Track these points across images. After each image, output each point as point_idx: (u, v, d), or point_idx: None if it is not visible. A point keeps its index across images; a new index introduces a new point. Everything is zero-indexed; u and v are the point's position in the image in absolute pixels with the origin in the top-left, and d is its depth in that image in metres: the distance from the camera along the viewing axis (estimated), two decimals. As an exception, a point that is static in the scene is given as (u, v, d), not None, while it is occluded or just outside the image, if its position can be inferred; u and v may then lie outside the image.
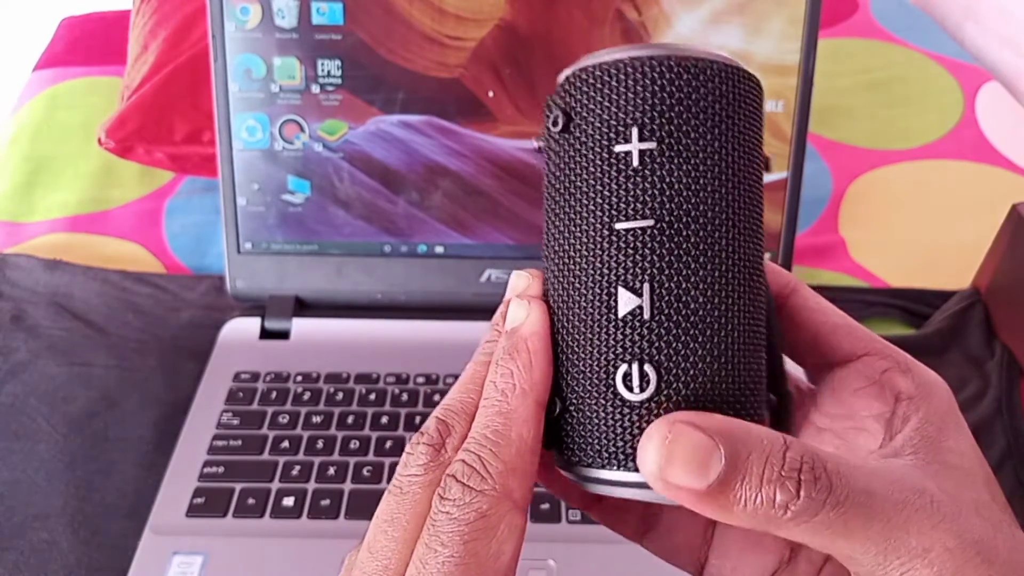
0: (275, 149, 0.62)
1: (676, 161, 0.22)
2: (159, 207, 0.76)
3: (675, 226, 0.22)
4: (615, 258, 0.22)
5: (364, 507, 0.51)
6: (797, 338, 0.27)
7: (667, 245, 0.22)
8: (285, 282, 0.64)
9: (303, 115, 0.61)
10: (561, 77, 0.24)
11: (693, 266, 0.22)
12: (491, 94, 0.61)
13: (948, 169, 0.82)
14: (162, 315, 0.65)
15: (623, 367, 0.22)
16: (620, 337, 0.22)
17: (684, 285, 0.22)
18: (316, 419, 0.56)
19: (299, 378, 0.59)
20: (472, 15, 0.60)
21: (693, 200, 0.22)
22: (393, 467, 0.53)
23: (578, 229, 0.23)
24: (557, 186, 0.23)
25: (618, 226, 0.22)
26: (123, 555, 0.49)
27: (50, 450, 0.56)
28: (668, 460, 0.21)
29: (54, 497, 0.53)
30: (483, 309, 0.64)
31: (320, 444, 0.54)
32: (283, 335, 0.63)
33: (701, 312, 0.22)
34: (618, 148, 0.22)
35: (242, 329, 0.63)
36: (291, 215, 0.63)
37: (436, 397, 0.57)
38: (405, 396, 0.58)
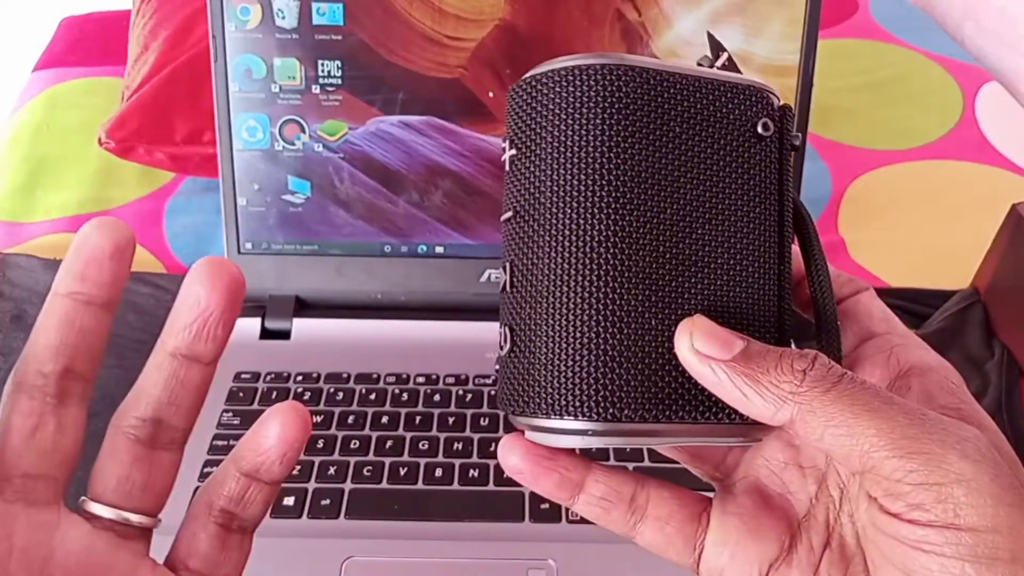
0: (275, 149, 0.62)
1: (526, 163, 0.26)
2: (159, 207, 0.76)
3: (523, 217, 0.26)
4: (502, 242, 0.27)
5: (364, 507, 0.51)
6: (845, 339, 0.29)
7: (519, 233, 0.26)
8: (285, 282, 0.64)
9: (303, 115, 0.61)
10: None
11: (536, 250, 0.25)
12: (491, 94, 0.61)
13: (948, 169, 0.82)
14: (162, 315, 0.64)
15: (498, 327, 0.27)
16: (501, 305, 0.27)
17: (529, 265, 0.26)
18: (316, 419, 0.56)
19: (299, 378, 0.59)
20: (472, 15, 0.60)
21: (535, 195, 0.26)
22: (394, 467, 0.53)
23: None
24: None
25: (502, 217, 0.27)
26: (123, 555, 0.49)
27: (50, 450, 0.56)
28: (697, 333, 0.24)
29: (54, 497, 0.53)
30: (483, 309, 0.65)
31: (320, 444, 0.54)
32: (283, 335, 0.63)
33: (542, 287, 0.25)
34: (504, 156, 0.27)
35: (242, 329, 0.63)
36: (291, 215, 0.63)
37: (436, 397, 0.57)
38: (405, 396, 0.58)
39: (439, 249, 0.63)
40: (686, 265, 0.25)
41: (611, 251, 0.24)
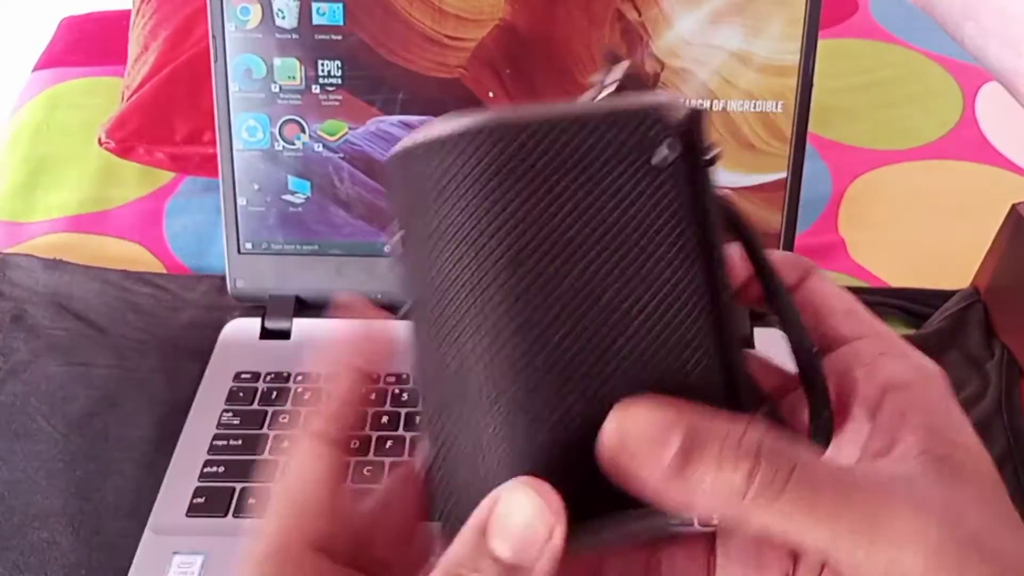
0: (275, 149, 0.62)
1: (411, 243, 0.23)
2: (160, 207, 0.76)
3: (419, 303, 0.23)
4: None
5: (364, 507, 0.51)
6: (804, 321, 0.26)
7: (414, 321, 0.23)
8: (285, 282, 0.64)
9: (303, 115, 0.61)
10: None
11: (427, 340, 0.23)
12: (491, 94, 0.61)
13: (948, 169, 0.82)
14: (162, 315, 0.65)
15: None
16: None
17: (423, 358, 0.23)
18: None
19: (299, 378, 0.59)
20: (472, 15, 0.60)
21: (428, 277, 0.23)
22: (393, 466, 0.53)
23: None
24: None
25: (399, 312, 0.24)
26: (123, 555, 0.49)
27: (50, 450, 0.56)
28: (624, 434, 0.20)
29: (54, 497, 0.53)
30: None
31: (320, 444, 0.54)
32: (284, 335, 0.63)
33: (437, 379, 0.23)
34: (393, 238, 0.24)
35: (243, 329, 0.63)
36: (291, 215, 0.63)
37: (436, 397, 0.57)
38: (405, 396, 0.58)
39: (439, 249, 0.63)
40: (602, 336, 0.22)
41: (514, 342, 0.22)
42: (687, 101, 0.25)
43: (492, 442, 0.22)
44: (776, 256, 0.26)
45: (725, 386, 0.23)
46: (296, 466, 0.23)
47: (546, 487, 0.21)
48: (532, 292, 0.22)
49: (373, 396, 0.58)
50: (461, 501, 0.22)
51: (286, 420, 0.56)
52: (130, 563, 0.48)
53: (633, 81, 0.25)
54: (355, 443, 0.25)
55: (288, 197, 0.63)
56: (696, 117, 0.24)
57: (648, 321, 0.23)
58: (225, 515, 0.50)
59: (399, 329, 0.25)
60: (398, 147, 0.24)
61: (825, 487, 0.20)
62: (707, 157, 0.24)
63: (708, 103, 0.61)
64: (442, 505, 0.23)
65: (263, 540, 0.23)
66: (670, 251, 0.23)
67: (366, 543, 0.23)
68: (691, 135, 0.24)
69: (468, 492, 0.22)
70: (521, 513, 0.20)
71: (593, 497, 0.21)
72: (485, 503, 0.21)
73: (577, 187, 0.23)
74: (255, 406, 0.57)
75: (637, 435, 0.20)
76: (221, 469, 0.53)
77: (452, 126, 0.23)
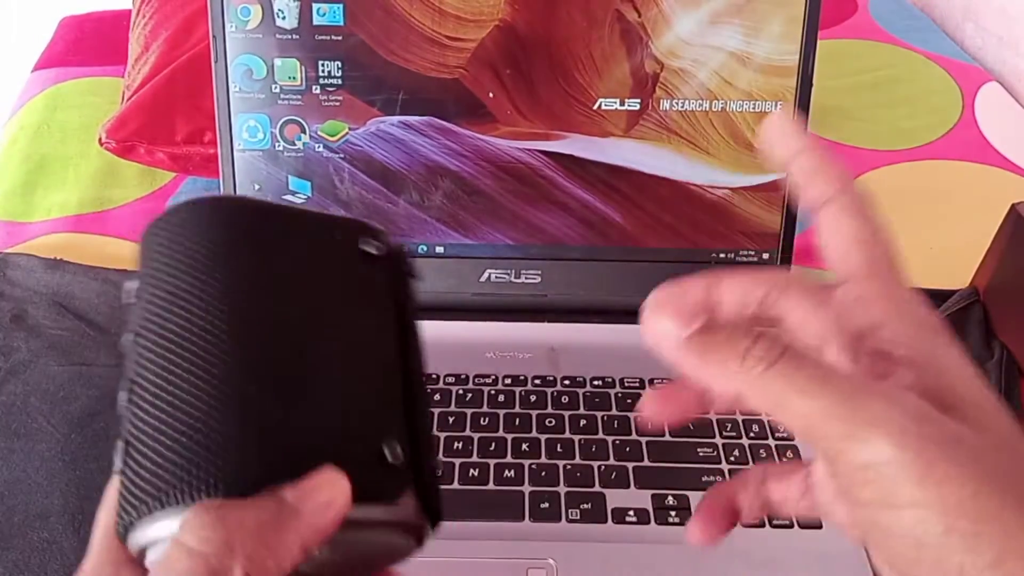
0: (276, 150, 0.62)
1: (145, 292, 0.27)
2: (160, 207, 0.76)
3: (140, 341, 0.27)
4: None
5: (364, 506, 0.51)
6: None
7: (136, 355, 0.27)
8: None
9: (304, 116, 0.61)
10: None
11: (146, 372, 0.26)
12: (491, 95, 0.61)
13: (947, 169, 0.82)
14: (163, 315, 0.65)
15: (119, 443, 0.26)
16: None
17: (143, 384, 0.26)
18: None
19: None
20: (472, 16, 0.60)
21: (151, 321, 0.27)
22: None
23: None
24: None
25: (122, 339, 0.28)
26: (124, 554, 0.49)
27: (51, 449, 0.56)
28: (657, 311, 0.25)
29: (55, 496, 0.53)
30: (483, 309, 0.65)
31: (320, 444, 0.54)
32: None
33: (154, 405, 0.25)
34: (127, 285, 0.28)
35: (242, 329, 0.63)
36: (291, 215, 0.63)
37: (436, 396, 0.57)
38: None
39: (439, 249, 0.64)
40: (304, 393, 0.25)
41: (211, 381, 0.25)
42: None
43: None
44: (816, 163, 0.28)
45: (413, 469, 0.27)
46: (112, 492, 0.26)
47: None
48: (239, 339, 0.25)
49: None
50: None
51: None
52: (130, 563, 0.48)
53: None
54: None
55: (289, 197, 0.63)
56: (399, 248, 0.31)
57: (350, 382, 0.26)
58: (225, 515, 0.50)
59: None
60: (154, 218, 0.28)
61: (810, 367, 0.23)
62: (412, 272, 0.31)
63: (707, 103, 0.61)
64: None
65: (88, 558, 0.26)
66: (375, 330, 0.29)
67: None
68: (398, 254, 0.30)
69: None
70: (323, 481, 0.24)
71: None
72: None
73: (293, 259, 0.27)
74: (255, 406, 0.57)
75: (669, 314, 0.25)
76: (221, 469, 0.53)
77: (182, 205, 0.28)
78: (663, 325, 0.25)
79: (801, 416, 0.23)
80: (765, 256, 0.64)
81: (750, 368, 0.23)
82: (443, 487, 0.52)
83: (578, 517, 0.50)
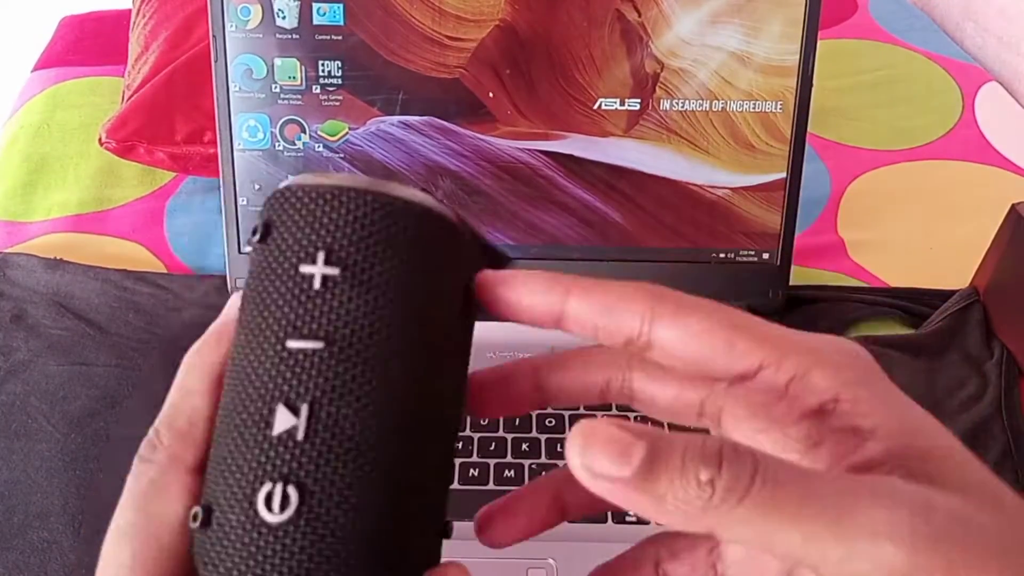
0: (276, 149, 0.62)
1: (356, 291, 0.22)
2: (160, 207, 0.76)
3: (346, 352, 0.22)
4: (282, 375, 0.22)
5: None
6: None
7: (335, 369, 0.22)
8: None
9: (304, 116, 0.61)
10: (276, 188, 0.24)
11: (357, 394, 0.21)
12: (491, 95, 0.61)
13: (947, 169, 0.82)
14: (163, 315, 0.65)
15: (267, 486, 0.21)
16: (271, 455, 0.21)
17: (344, 411, 0.21)
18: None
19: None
20: (472, 16, 0.60)
21: (368, 330, 0.22)
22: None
23: (255, 340, 0.22)
24: (249, 294, 0.24)
25: (290, 344, 0.22)
26: (124, 554, 0.49)
27: (51, 449, 0.56)
28: (588, 448, 0.20)
29: (54, 496, 0.53)
30: (483, 309, 0.64)
31: (320, 444, 0.54)
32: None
33: (358, 439, 0.21)
34: (303, 269, 0.22)
35: (242, 329, 0.63)
36: (291, 215, 0.63)
37: (436, 397, 0.57)
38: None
39: (439, 249, 0.63)
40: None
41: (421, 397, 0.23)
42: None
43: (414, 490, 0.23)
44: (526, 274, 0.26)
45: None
46: (174, 398, 0.26)
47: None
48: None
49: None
50: None
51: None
52: (130, 562, 0.48)
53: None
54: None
55: (288, 197, 0.63)
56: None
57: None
58: (225, 515, 0.51)
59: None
60: (353, 184, 0.24)
61: (791, 486, 0.20)
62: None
63: (707, 103, 0.61)
64: None
65: (142, 460, 0.25)
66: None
67: None
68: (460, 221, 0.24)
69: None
70: None
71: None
72: None
73: (418, 261, 0.24)
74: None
75: (607, 440, 0.20)
76: (221, 469, 0.53)
77: (333, 181, 0.24)
78: (598, 464, 0.20)
79: (790, 546, 0.19)
80: (765, 256, 0.64)
81: (717, 506, 0.19)
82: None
83: (578, 516, 0.50)
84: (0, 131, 0.88)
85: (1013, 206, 0.62)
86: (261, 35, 0.60)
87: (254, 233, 0.23)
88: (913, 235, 0.74)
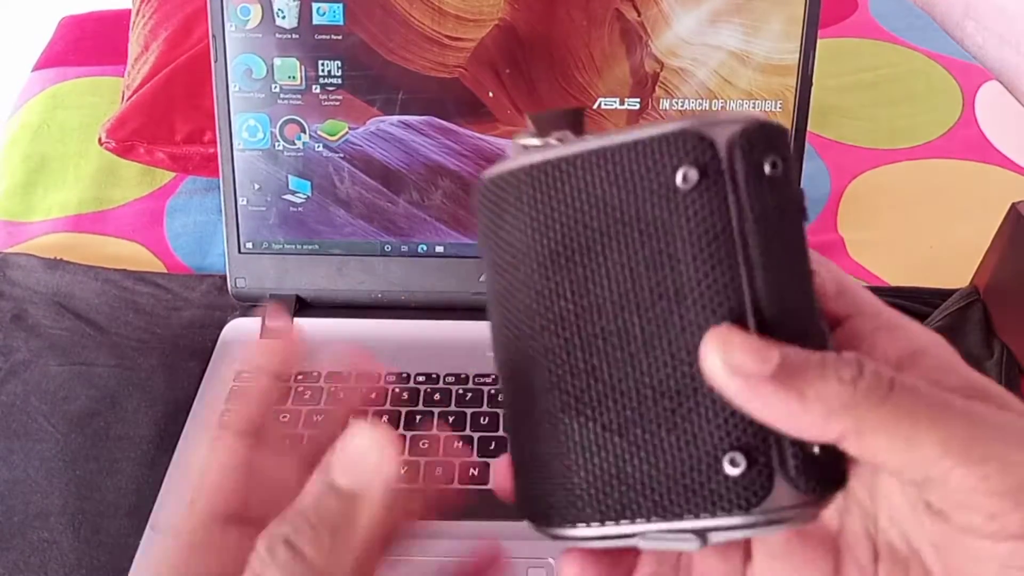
0: (276, 149, 0.62)
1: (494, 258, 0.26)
2: (160, 207, 0.77)
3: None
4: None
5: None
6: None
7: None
8: (286, 281, 0.64)
9: (304, 115, 0.61)
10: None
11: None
12: (491, 94, 0.61)
13: (947, 168, 0.82)
14: (163, 314, 0.65)
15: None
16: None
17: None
18: (317, 418, 0.56)
19: (300, 377, 0.59)
20: (472, 15, 0.60)
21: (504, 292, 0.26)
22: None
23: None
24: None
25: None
26: (124, 554, 0.49)
27: (51, 449, 0.56)
28: (728, 346, 0.21)
29: (54, 496, 0.53)
30: (483, 309, 0.65)
31: (321, 443, 0.54)
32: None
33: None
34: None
35: (243, 328, 0.63)
36: (292, 215, 0.63)
37: (436, 396, 0.57)
38: (405, 395, 0.58)
39: (439, 249, 0.64)
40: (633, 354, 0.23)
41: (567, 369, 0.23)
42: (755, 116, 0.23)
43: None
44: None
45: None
46: (204, 455, 0.27)
47: (383, 425, 0.23)
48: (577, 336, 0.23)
49: (374, 395, 0.58)
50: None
51: (287, 419, 0.56)
52: (130, 562, 0.48)
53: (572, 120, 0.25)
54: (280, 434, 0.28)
55: (288, 197, 0.63)
56: (755, 129, 0.22)
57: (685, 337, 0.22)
58: (226, 514, 0.51)
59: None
60: (484, 176, 0.25)
61: (925, 395, 0.20)
62: (763, 170, 0.22)
63: (707, 102, 0.61)
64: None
65: (181, 517, 0.26)
66: (710, 277, 0.22)
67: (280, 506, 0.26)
68: (745, 145, 0.22)
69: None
70: (355, 444, 0.23)
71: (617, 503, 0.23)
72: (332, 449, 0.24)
73: (615, 218, 0.23)
74: (255, 405, 0.57)
75: (744, 343, 0.21)
76: (221, 468, 0.53)
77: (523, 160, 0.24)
78: (739, 359, 0.20)
79: (927, 448, 0.20)
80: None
81: (860, 402, 0.20)
82: (443, 486, 0.52)
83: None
84: (0, 131, 0.88)
85: (1013, 205, 0.62)
86: (261, 35, 0.60)
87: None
88: (913, 234, 0.74)
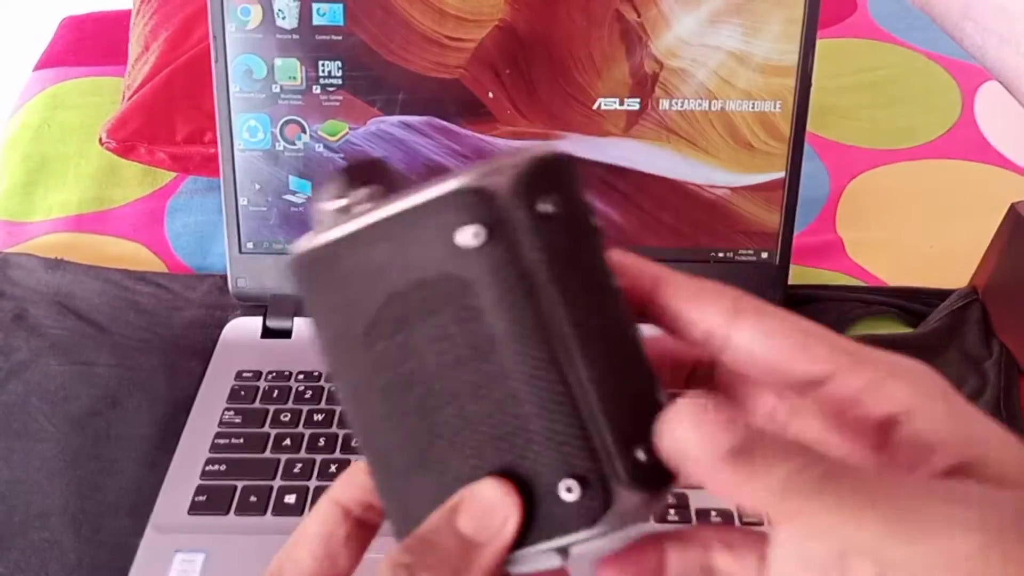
0: (276, 149, 0.62)
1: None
2: (161, 207, 0.77)
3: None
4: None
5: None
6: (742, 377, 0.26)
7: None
8: (287, 281, 0.64)
9: (304, 116, 0.62)
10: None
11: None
12: (491, 95, 0.61)
13: (946, 169, 0.82)
14: (164, 314, 0.65)
15: None
16: None
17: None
18: (318, 417, 0.56)
19: (300, 376, 0.59)
20: (472, 16, 0.60)
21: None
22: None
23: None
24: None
25: None
26: (125, 554, 0.49)
27: (51, 449, 0.56)
28: (686, 431, 0.21)
29: (55, 496, 0.53)
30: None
31: (321, 442, 0.54)
32: (285, 334, 0.63)
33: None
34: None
35: (244, 328, 0.63)
36: (293, 215, 0.63)
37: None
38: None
39: (439, 249, 0.64)
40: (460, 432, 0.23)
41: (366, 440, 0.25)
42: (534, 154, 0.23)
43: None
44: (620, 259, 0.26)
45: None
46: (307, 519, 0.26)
47: (511, 486, 0.23)
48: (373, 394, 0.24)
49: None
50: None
51: (287, 419, 0.56)
52: (131, 562, 0.49)
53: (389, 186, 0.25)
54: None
55: (289, 197, 0.63)
56: (524, 172, 0.23)
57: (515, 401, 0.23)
58: (227, 513, 0.51)
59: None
60: (292, 251, 0.25)
61: (872, 481, 0.20)
62: (537, 213, 0.22)
63: (707, 103, 0.61)
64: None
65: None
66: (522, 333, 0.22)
67: None
68: (506, 198, 0.22)
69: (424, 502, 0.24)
70: (487, 496, 0.23)
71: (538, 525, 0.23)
72: (458, 494, 0.24)
73: (406, 288, 0.23)
74: (256, 405, 0.57)
75: (702, 425, 0.21)
76: (223, 467, 0.53)
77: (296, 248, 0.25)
78: (697, 435, 0.21)
79: (872, 532, 0.20)
80: (764, 255, 0.64)
81: (805, 487, 0.20)
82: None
83: None
84: (0, 131, 0.88)
85: (1012, 205, 0.62)
86: (261, 35, 0.60)
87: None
88: (912, 234, 0.74)
